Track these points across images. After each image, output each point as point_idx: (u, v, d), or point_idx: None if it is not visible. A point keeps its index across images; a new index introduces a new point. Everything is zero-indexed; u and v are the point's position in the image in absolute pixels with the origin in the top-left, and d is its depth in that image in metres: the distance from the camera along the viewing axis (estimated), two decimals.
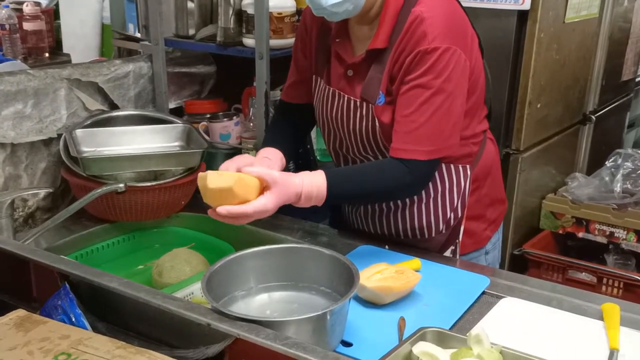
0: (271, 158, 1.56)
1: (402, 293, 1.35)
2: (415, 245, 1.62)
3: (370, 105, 1.48)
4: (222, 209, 1.30)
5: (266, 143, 1.65)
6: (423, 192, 1.56)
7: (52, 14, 2.86)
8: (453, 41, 1.40)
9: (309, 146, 2.20)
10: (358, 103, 1.50)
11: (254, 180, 1.32)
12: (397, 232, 1.63)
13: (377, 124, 1.48)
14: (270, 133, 1.73)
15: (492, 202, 1.69)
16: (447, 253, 1.63)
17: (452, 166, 1.56)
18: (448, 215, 1.59)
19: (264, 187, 1.34)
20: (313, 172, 1.42)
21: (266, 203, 1.32)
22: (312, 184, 1.38)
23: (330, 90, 1.56)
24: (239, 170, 1.36)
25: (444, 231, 1.60)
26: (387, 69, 1.45)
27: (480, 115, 1.60)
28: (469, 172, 1.58)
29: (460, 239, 1.62)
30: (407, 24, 1.40)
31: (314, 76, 1.63)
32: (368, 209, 1.65)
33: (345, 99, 1.52)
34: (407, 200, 1.58)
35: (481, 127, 1.61)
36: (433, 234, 1.61)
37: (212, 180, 1.28)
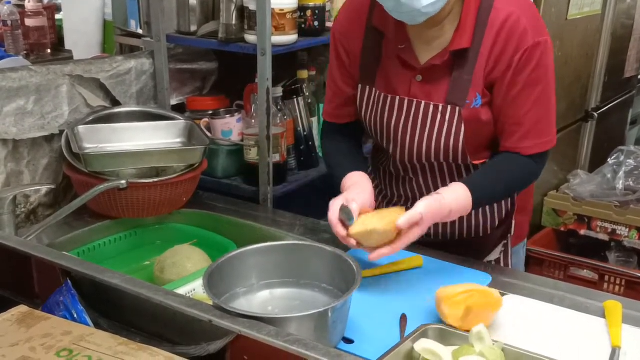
0: (360, 182, 1.50)
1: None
2: (468, 244, 1.61)
3: (457, 108, 1.43)
4: (375, 255, 1.36)
5: (344, 171, 1.54)
6: None
7: (54, 10, 2.86)
8: (544, 32, 1.42)
9: (310, 143, 2.20)
10: (441, 108, 1.44)
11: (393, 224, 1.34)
12: (453, 233, 1.61)
13: (462, 127, 1.44)
14: (338, 161, 1.61)
15: (529, 191, 1.74)
16: (500, 247, 1.64)
17: None
18: (502, 212, 1.61)
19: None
20: (452, 186, 1.42)
21: (414, 237, 1.37)
22: (458, 200, 1.39)
23: (397, 99, 1.48)
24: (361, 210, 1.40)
25: (497, 227, 1.61)
26: (482, 70, 1.41)
27: None
28: None
29: (512, 232, 1.65)
30: (499, 23, 1.38)
31: (360, 86, 1.55)
32: None
33: (422, 105, 1.46)
34: None
35: None
36: (489, 231, 1.61)
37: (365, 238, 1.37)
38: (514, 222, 1.65)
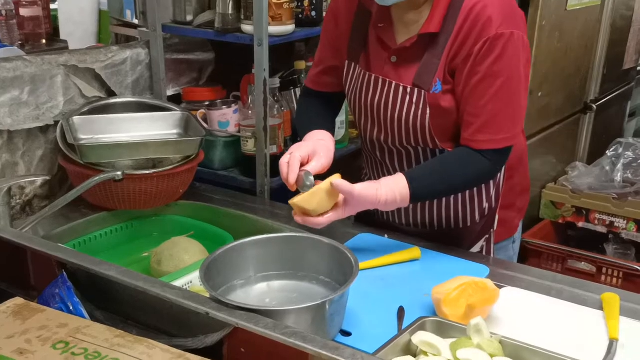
0: (325, 140, 1.53)
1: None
2: (450, 235, 1.60)
3: (423, 91, 1.44)
4: (299, 219, 1.40)
5: (311, 127, 1.58)
6: None
7: (49, 0, 2.84)
8: (515, 25, 1.39)
9: None
10: (409, 89, 1.45)
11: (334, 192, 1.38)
12: (432, 223, 1.61)
13: (428, 111, 1.44)
14: (308, 118, 1.65)
15: (522, 190, 1.71)
16: (482, 242, 1.63)
17: None
18: (484, 205, 1.59)
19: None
20: (394, 177, 1.43)
21: (339, 216, 1.41)
22: (394, 190, 1.40)
23: (372, 77, 1.51)
24: (302, 160, 1.43)
25: (479, 220, 1.60)
26: (446, 56, 1.41)
27: None
28: None
29: (495, 227, 1.63)
30: (467, 10, 1.37)
31: (347, 62, 1.58)
32: None
33: (393, 85, 1.47)
34: None
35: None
36: (469, 224, 1.60)
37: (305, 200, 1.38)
38: (497, 217, 1.63)
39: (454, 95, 1.44)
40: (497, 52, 1.36)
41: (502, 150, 1.45)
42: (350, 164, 2.34)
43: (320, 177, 1.43)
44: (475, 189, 1.57)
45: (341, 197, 1.40)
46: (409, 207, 1.61)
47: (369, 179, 1.67)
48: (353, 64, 1.56)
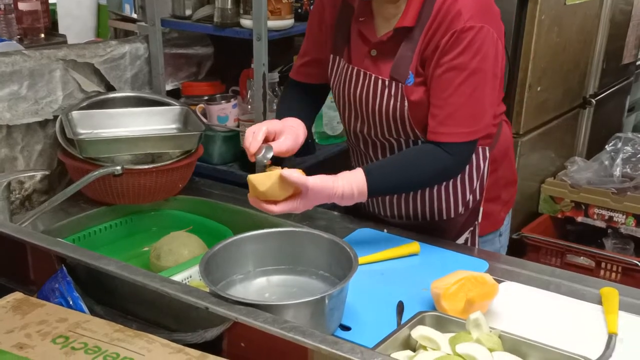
0: (296, 127, 1.53)
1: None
2: (433, 227, 1.61)
3: (400, 84, 1.45)
4: (252, 201, 1.36)
5: (286, 114, 1.58)
6: None
7: None
8: (486, 20, 1.38)
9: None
10: (387, 82, 1.47)
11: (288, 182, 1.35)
12: (416, 215, 1.62)
13: (406, 103, 1.45)
14: (286, 106, 1.65)
15: (507, 183, 1.70)
16: (466, 234, 1.63)
17: None
18: (467, 197, 1.59)
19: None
20: (352, 171, 1.42)
21: (294, 208, 1.36)
22: (351, 184, 1.39)
23: (355, 70, 1.52)
24: (268, 136, 1.43)
25: (462, 213, 1.60)
26: (419, 49, 1.43)
27: (499, 97, 1.58)
28: (487, 154, 1.58)
29: (480, 220, 1.63)
30: (439, 3, 1.38)
31: (331, 55, 1.59)
32: None
33: (372, 78, 1.49)
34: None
35: (500, 109, 1.60)
36: (452, 215, 1.60)
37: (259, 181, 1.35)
38: (481, 209, 1.63)
39: (426, 87, 1.45)
40: (464, 44, 1.36)
41: (464, 145, 1.43)
42: (349, 158, 2.34)
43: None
44: (459, 181, 1.57)
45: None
46: (392, 198, 1.62)
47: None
48: (337, 57, 1.57)
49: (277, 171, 1.33)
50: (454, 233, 1.62)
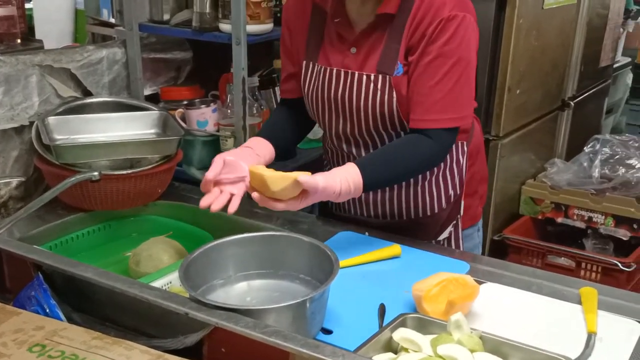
0: (259, 153, 1.52)
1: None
2: (417, 224, 1.62)
3: (387, 77, 1.45)
4: (257, 196, 1.35)
5: (260, 133, 1.61)
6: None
7: None
8: (467, 10, 1.43)
9: None
10: (372, 77, 1.47)
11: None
12: (400, 213, 1.62)
13: (394, 95, 1.46)
14: (267, 125, 1.69)
15: (481, 179, 1.74)
16: (450, 228, 1.65)
17: None
18: (449, 192, 1.61)
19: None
20: (345, 167, 1.42)
21: (297, 206, 1.36)
22: (348, 180, 1.38)
23: (334, 71, 1.52)
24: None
25: (445, 207, 1.62)
26: (405, 39, 1.44)
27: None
28: (465, 149, 1.61)
29: (462, 214, 1.65)
30: None
31: (304, 62, 1.59)
32: (369, 193, 1.62)
33: (356, 75, 1.49)
34: (412, 179, 1.58)
35: (474, 104, 1.61)
36: (436, 210, 1.61)
37: (273, 181, 1.33)
38: (462, 202, 1.66)
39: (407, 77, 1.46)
40: (450, 32, 1.40)
41: (449, 131, 1.46)
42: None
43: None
44: (440, 176, 1.59)
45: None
46: (376, 198, 1.62)
47: None
48: (311, 62, 1.57)
49: (293, 175, 1.32)
50: (437, 229, 1.63)
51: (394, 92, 1.46)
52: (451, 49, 1.40)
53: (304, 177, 1.32)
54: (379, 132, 1.53)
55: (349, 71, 1.50)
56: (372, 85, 1.47)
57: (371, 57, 1.48)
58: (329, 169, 1.68)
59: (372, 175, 1.41)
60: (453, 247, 1.67)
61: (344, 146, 1.60)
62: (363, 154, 1.57)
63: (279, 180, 1.32)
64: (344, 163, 1.60)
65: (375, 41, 1.47)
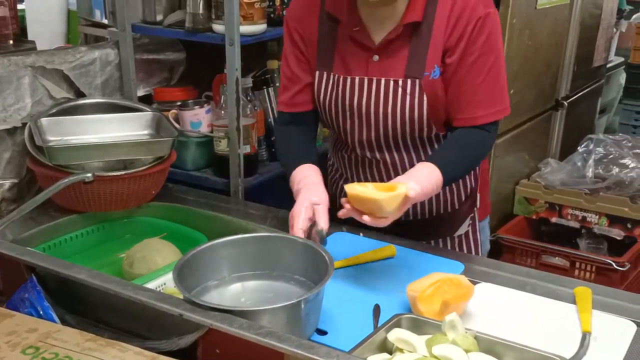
0: (311, 176, 1.49)
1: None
2: (439, 220, 1.62)
3: (417, 80, 1.46)
4: (367, 218, 1.30)
5: (297, 160, 1.54)
6: None
7: (16, 0, 2.79)
8: (492, 4, 1.47)
9: None
10: (400, 82, 1.47)
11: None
12: (423, 211, 1.61)
13: (424, 98, 1.46)
14: (289, 147, 1.62)
15: (484, 169, 1.76)
16: (468, 221, 1.67)
17: None
18: (467, 186, 1.64)
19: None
20: (421, 167, 1.41)
21: (398, 215, 1.34)
22: (431, 182, 1.38)
23: (356, 80, 1.50)
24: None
25: (464, 201, 1.64)
26: (439, 41, 1.44)
27: None
28: None
29: (478, 206, 1.68)
30: None
31: (317, 72, 1.55)
32: None
33: (382, 82, 1.48)
34: None
35: None
36: (456, 206, 1.63)
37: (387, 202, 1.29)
38: (478, 195, 1.69)
39: (444, 78, 1.47)
40: (488, 29, 1.44)
41: (498, 122, 1.52)
42: (324, 162, 2.33)
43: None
44: None
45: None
46: None
47: (351, 181, 1.65)
48: (325, 72, 1.54)
49: (402, 191, 1.29)
50: (457, 222, 1.65)
51: (425, 96, 1.46)
52: (490, 45, 1.45)
53: (412, 191, 1.30)
54: (405, 137, 1.52)
55: (374, 78, 1.48)
56: (400, 90, 1.47)
57: (396, 62, 1.47)
58: (341, 175, 1.69)
59: (449, 173, 1.43)
60: (471, 240, 1.69)
61: (368, 153, 1.58)
62: (388, 159, 1.56)
63: (392, 200, 1.28)
64: (365, 169, 1.60)
65: (399, 47, 1.47)
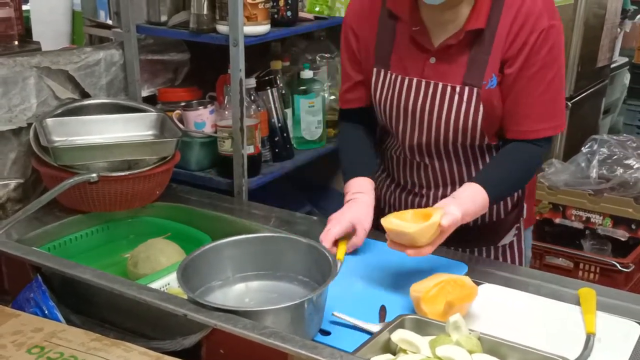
0: (368, 201, 1.51)
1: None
2: (483, 228, 1.60)
3: (474, 89, 1.43)
4: (412, 253, 1.31)
5: (353, 170, 1.56)
6: None
7: (21, 1, 2.80)
8: (558, 17, 1.45)
9: (285, 134, 2.18)
10: (458, 89, 1.44)
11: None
12: (475, 219, 1.54)
13: (480, 108, 1.44)
14: (347, 151, 1.64)
15: (534, 181, 1.78)
16: (514, 230, 1.65)
17: None
18: (515, 196, 1.62)
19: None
20: (468, 187, 1.40)
21: (441, 241, 1.35)
22: (476, 202, 1.38)
23: (413, 81, 1.48)
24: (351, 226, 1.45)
25: (510, 210, 1.62)
26: (499, 51, 1.42)
27: None
28: None
29: (524, 216, 1.66)
30: (517, 4, 1.40)
31: (374, 69, 1.54)
32: None
33: (439, 87, 1.46)
34: None
35: None
36: (502, 216, 1.62)
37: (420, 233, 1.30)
38: (525, 205, 1.67)
39: (502, 88, 1.45)
40: (551, 42, 1.41)
41: (552, 138, 1.50)
42: (327, 163, 2.34)
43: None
44: None
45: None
46: None
47: (397, 182, 1.65)
48: (383, 70, 1.53)
49: (436, 220, 1.29)
50: (503, 232, 1.64)
51: (481, 105, 1.44)
52: (553, 58, 1.42)
53: (445, 219, 1.29)
54: (456, 144, 1.51)
55: (431, 82, 1.47)
56: (457, 97, 1.45)
57: (454, 68, 1.45)
58: (387, 175, 1.68)
59: (496, 191, 1.42)
60: (515, 250, 1.67)
61: (417, 157, 1.57)
62: (437, 165, 1.55)
63: (425, 231, 1.29)
64: (413, 173, 1.60)
65: (458, 52, 1.44)
